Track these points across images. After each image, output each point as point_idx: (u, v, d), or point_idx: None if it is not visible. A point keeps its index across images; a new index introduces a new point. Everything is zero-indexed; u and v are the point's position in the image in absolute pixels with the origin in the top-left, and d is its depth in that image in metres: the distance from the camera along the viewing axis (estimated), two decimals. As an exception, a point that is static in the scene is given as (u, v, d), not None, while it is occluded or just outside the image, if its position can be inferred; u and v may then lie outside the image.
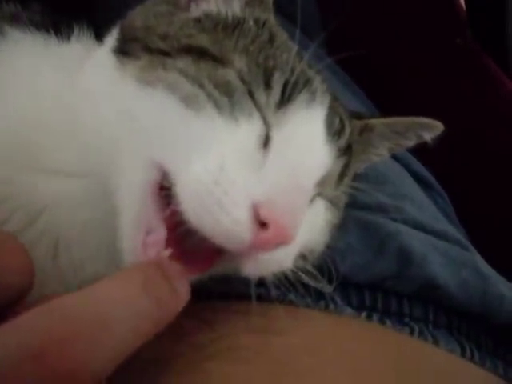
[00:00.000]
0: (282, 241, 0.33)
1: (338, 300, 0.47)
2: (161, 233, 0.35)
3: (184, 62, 0.38)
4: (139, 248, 0.35)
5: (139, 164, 0.36)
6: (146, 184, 0.36)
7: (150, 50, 0.40)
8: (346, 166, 0.42)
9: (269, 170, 0.35)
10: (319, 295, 0.46)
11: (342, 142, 0.42)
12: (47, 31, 0.46)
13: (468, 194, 0.82)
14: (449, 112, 0.84)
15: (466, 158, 0.86)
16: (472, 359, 0.51)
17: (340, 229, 0.46)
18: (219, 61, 0.38)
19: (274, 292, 0.40)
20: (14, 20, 0.46)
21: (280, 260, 0.37)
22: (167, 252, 0.34)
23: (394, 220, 0.55)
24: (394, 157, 0.65)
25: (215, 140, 0.35)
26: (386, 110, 0.81)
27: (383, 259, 0.51)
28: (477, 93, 0.87)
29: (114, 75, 0.39)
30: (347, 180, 0.44)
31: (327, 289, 0.44)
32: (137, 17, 0.44)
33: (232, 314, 0.40)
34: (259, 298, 0.40)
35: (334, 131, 0.41)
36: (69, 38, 0.46)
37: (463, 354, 0.51)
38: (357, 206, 0.51)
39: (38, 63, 0.44)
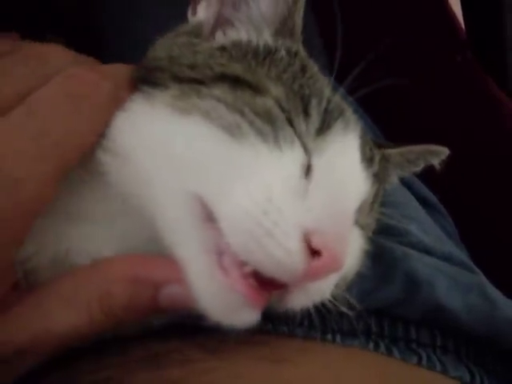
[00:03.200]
0: (334, 267, 0.33)
1: (346, 328, 0.47)
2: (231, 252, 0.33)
3: (220, 90, 0.37)
4: (218, 272, 0.33)
5: (178, 199, 0.35)
6: (193, 218, 0.34)
7: (179, 79, 0.38)
8: (376, 193, 0.43)
9: (314, 197, 0.34)
10: (325, 328, 0.45)
11: (374, 168, 0.42)
12: None
13: (470, 214, 0.82)
14: (449, 130, 0.85)
15: (465, 175, 0.86)
16: (482, 386, 0.51)
17: None
18: (255, 89, 0.37)
19: (282, 327, 0.39)
20: None
21: (323, 289, 0.37)
22: (248, 268, 0.33)
23: (401, 243, 0.54)
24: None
25: (260, 168, 0.34)
26: (386, 129, 0.81)
27: (390, 285, 0.51)
28: (476, 111, 0.87)
29: (142, 106, 0.38)
30: (376, 207, 0.44)
31: (350, 313, 0.44)
32: (159, 48, 0.43)
33: (238, 344, 0.39)
34: (267, 332, 0.39)
35: (367, 158, 0.41)
36: None
37: (473, 381, 0.51)
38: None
39: None
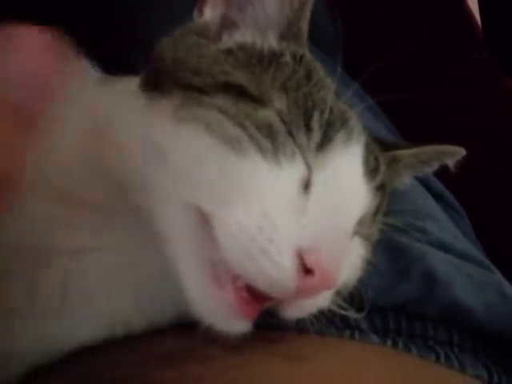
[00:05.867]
0: (326, 286, 0.33)
1: (364, 326, 0.47)
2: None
3: (222, 101, 0.36)
4: (212, 284, 0.33)
5: (177, 209, 0.35)
6: (191, 229, 0.34)
7: (181, 85, 0.38)
8: (380, 203, 0.42)
9: (311, 214, 0.34)
10: (344, 324, 0.45)
11: (378, 180, 0.41)
12: None
13: (486, 212, 0.81)
14: (465, 128, 0.84)
15: (481, 174, 0.85)
16: (500, 384, 0.50)
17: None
18: (258, 101, 0.37)
19: (299, 323, 0.39)
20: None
21: (318, 302, 0.37)
22: (242, 281, 0.33)
23: (418, 240, 0.54)
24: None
25: (258, 184, 0.34)
26: (401, 127, 0.81)
27: (408, 283, 0.51)
28: (493, 109, 0.86)
29: (145, 112, 0.38)
30: (380, 216, 0.43)
31: (357, 316, 0.44)
32: (166, 48, 0.42)
33: (259, 341, 0.39)
34: (284, 328, 0.39)
35: (371, 170, 0.40)
36: None
37: (490, 380, 0.50)
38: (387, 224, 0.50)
39: None
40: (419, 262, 0.51)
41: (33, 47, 0.41)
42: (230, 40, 0.41)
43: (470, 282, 0.54)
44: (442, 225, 0.61)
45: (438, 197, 0.71)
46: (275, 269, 0.32)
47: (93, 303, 0.39)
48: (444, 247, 0.56)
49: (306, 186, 0.36)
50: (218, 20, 0.42)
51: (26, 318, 0.38)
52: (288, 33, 0.42)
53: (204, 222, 0.34)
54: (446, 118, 0.83)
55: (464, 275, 0.54)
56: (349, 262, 0.40)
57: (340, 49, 0.76)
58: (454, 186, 0.77)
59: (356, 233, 0.40)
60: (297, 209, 0.34)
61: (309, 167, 0.36)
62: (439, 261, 0.53)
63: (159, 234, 0.36)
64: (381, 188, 0.42)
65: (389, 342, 0.48)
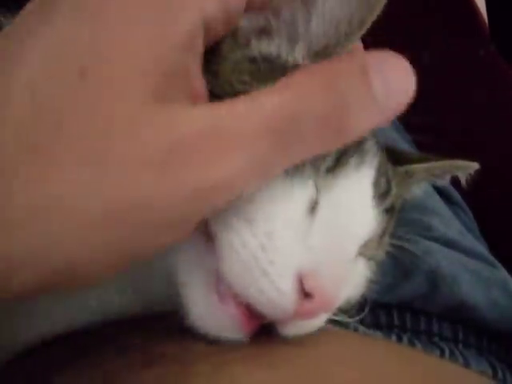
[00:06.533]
0: (325, 310, 0.33)
1: (368, 321, 0.47)
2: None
3: None
4: (214, 296, 0.33)
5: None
6: (195, 241, 0.33)
7: None
8: (387, 225, 0.41)
9: (315, 237, 0.33)
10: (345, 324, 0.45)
11: (388, 203, 0.40)
12: None
13: (491, 211, 0.81)
14: (472, 125, 0.84)
15: (489, 171, 0.85)
16: (504, 381, 0.50)
17: None
18: None
19: None
20: None
21: (318, 321, 0.36)
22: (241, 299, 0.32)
23: (424, 237, 0.54)
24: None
25: (269, 203, 0.33)
26: (409, 124, 0.80)
27: (413, 279, 0.51)
28: (500, 105, 0.86)
29: None
30: (387, 238, 0.42)
31: (355, 321, 0.43)
32: None
33: None
34: None
35: (381, 193, 0.39)
36: None
37: (495, 376, 0.50)
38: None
39: None
40: (424, 258, 0.51)
41: None
42: (257, 47, 0.36)
43: (475, 278, 0.54)
44: (447, 221, 0.61)
45: (442, 193, 0.70)
46: (274, 291, 0.31)
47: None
48: (449, 244, 0.56)
49: (313, 207, 0.34)
50: (249, 23, 0.36)
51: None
52: (322, 54, 0.36)
53: (210, 234, 0.33)
54: (452, 114, 0.82)
55: (469, 272, 0.54)
56: (351, 282, 0.40)
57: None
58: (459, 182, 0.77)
59: (361, 253, 0.39)
60: (301, 231, 0.33)
61: (317, 189, 0.35)
62: (444, 257, 0.53)
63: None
64: (390, 210, 0.41)
65: (393, 338, 0.48)
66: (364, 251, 0.39)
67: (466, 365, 0.49)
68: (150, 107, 0.25)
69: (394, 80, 0.27)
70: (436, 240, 0.55)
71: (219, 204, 0.27)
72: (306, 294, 0.32)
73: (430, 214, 0.59)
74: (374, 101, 0.26)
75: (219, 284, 0.33)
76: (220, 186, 0.26)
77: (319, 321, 0.36)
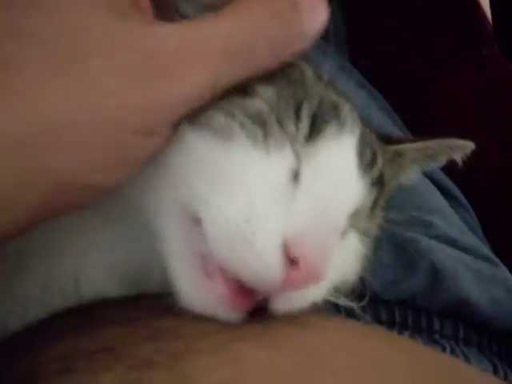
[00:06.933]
0: (312, 280, 0.32)
1: (369, 318, 0.47)
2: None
3: None
4: (201, 276, 0.33)
5: (166, 203, 0.34)
6: (180, 221, 0.34)
7: None
8: (377, 197, 0.41)
9: (299, 205, 0.33)
10: (349, 314, 0.45)
11: (375, 173, 0.40)
12: None
13: (493, 208, 0.81)
14: (475, 123, 0.84)
15: (491, 169, 0.85)
16: (505, 379, 0.50)
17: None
18: (245, 92, 0.35)
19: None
20: None
21: (310, 295, 0.36)
22: (230, 274, 0.32)
23: (425, 235, 0.54)
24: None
25: (245, 173, 0.33)
26: (411, 123, 0.81)
27: (414, 276, 0.51)
28: (503, 104, 0.86)
29: None
30: (379, 211, 0.42)
31: (356, 305, 0.43)
32: None
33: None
34: None
35: (366, 163, 0.39)
36: None
37: (495, 374, 0.51)
38: (388, 220, 0.50)
39: None
40: (426, 255, 0.51)
41: None
42: None
43: (477, 276, 0.54)
44: (449, 219, 0.61)
45: (443, 191, 0.70)
46: (260, 262, 0.31)
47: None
48: (451, 242, 0.56)
49: (295, 176, 0.35)
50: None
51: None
52: None
53: (194, 214, 0.33)
54: (455, 113, 0.82)
55: (470, 270, 0.54)
56: (345, 257, 0.39)
57: (345, 41, 0.76)
58: (461, 180, 0.77)
59: (352, 226, 0.39)
60: (284, 199, 0.33)
61: (298, 158, 0.35)
62: (446, 255, 0.53)
63: (152, 230, 0.35)
64: (378, 182, 0.41)
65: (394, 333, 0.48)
66: (354, 223, 0.39)
67: (467, 362, 0.49)
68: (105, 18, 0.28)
69: (315, 13, 0.33)
70: (437, 238, 0.55)
71: (180, 114, 0.30)
72: (292, 262, 0.31)
73: (432, 213, 0.59)
74: (303, 31, 0.33)
75: (207, 263, 0.33)
76: (184, 97, 0.29)
77: (311, 296, 0.36)
